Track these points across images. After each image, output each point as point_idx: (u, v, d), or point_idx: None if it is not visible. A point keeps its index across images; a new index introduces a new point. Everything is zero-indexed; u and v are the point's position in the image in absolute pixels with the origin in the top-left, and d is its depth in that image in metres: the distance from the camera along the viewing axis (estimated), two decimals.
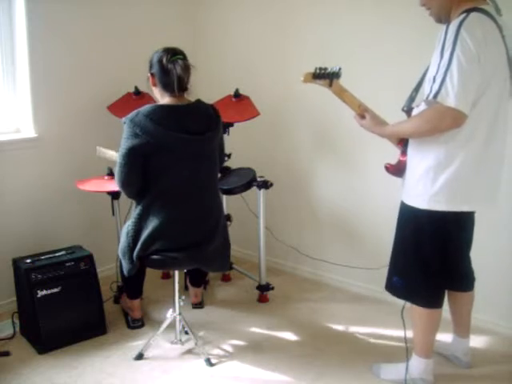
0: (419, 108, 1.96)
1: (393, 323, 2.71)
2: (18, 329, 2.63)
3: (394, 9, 2.73)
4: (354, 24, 2.91)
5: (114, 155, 2.51)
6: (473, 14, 1.79)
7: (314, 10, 3.07)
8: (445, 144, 1.91)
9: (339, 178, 3.18)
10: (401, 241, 2.16)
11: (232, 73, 3.49)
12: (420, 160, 2.00)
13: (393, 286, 2.19)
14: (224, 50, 3.55)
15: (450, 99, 1.76)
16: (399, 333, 2.57)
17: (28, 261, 2.51)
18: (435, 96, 1.78)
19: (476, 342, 2.51)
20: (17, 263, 2.54)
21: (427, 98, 1.83)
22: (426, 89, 1.86)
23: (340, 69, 2.11)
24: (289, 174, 3.38)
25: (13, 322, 2.65)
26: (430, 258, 2.08)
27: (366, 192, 3.06)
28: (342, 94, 2.14)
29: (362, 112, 2.14)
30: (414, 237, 2.09)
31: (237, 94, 3.08)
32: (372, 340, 2.64)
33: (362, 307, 2.99)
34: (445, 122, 1.82)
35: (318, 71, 2.09)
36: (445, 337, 2.36)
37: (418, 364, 2.18)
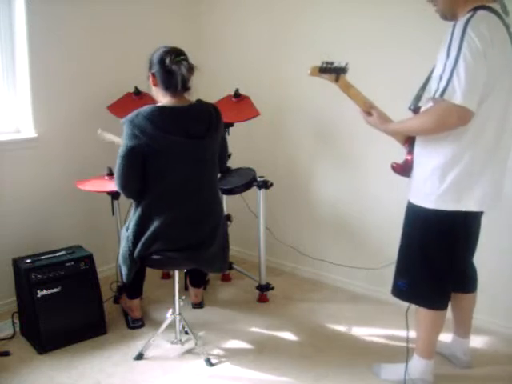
0: (426, 106, 1.95)
1: (393, 323, 2.71)
2: (18, 329, 2.63)
3: (397, 9, 2.73)
4: (356, 24, 2.91)
5: (116, 140, 2.58)
6: (479, 13, 1.79)
7: (314, 10, 3.07)
8: (452, 143, 1.90)
9: (339, 177, 3.18)
10: (407, 242, 2.13)
11: (232, 73, 3.48)
12: (427, 159, 1.99)
13: (398, 290, 2.15)
14: (224, 49, 3.55)
15: (456, 96, 1.76)
16: (399, 333, 2.58)
17: (28, 261, 2.51)
18: (442, 93, 1.78)
19: (476, 341, 2.51)
20: (17, 263, 2.53)
21: (434, 95, 1.82)
22: (433, 87, 1.85)
23: (347, 64, 2.07)
24: (289, 173, 3.38)
25: (13, 322, 2.64)
26: (437, 259, 2.06)
27: (367, 192, 3.06)
28: (348, 89, 2.11)
29: (368, 109, 2.11)
30: (421, 237, 2.06)
31: (237, 94, 3.08)
32: (372, 340, 2.64)
33: (362, 307, 2.99)
34: (451, 120, 1.81)
35: (324, 65, 2.07)
36: (445, 336, 2.36)
37: (418, 364, 2.18)
